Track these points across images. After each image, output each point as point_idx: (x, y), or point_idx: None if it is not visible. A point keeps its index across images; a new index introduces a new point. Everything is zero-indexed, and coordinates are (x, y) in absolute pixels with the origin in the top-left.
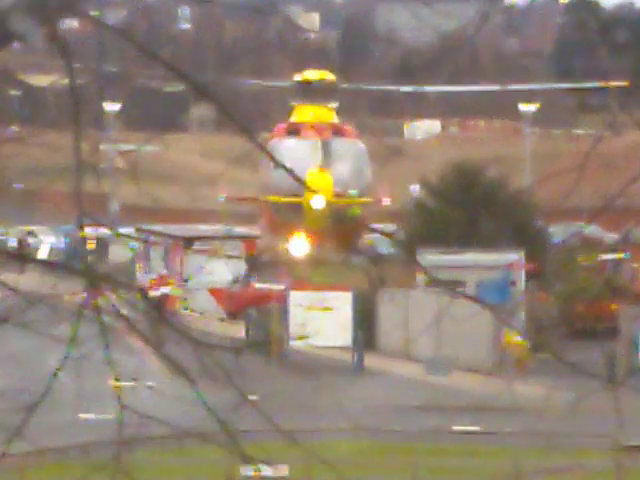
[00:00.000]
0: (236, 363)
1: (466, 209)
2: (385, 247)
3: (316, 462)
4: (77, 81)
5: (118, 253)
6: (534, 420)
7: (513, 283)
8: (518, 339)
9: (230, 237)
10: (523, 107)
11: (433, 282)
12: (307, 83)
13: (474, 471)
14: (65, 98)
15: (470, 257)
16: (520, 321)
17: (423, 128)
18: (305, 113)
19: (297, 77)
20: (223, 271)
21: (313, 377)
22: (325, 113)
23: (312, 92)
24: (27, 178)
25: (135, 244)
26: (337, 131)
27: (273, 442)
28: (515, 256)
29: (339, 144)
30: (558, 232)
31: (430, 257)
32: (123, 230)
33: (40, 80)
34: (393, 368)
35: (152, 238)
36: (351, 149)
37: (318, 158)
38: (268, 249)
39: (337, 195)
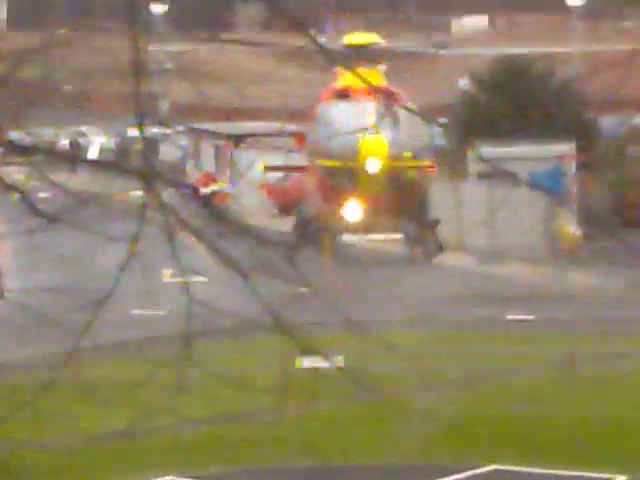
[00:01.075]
0: (288, 257)
1: (516, 101)
2: (438, 139)
3: (372, 353)
4: None
5: (168, 152)
6: (588, 307)
7: (564, 174)
8: (571, 228)
9: (280, 133)
10: (571, 1)
11: (487, 173)
12: (354, 47)
13: (529, 358)
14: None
15: (521, 149)
16: (572, 211)
17: (470, 23)
18: (353, 77)
19: (343, 40)
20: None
21: (367, 269)
22: (374, 76)
23: (360, 56)
24: (77, 80)
25: (185, 142)
26: (388, 94)
27: (328, 334)
28: (566, 147)
29: (392, 107)
30: (608, 123)
31: (481, 149)
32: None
33: None
34: (447, 259)
35: (202, 136)
36: (404, 111)
37: (371, 121)
38: (321, 215)
39: (392, 158)
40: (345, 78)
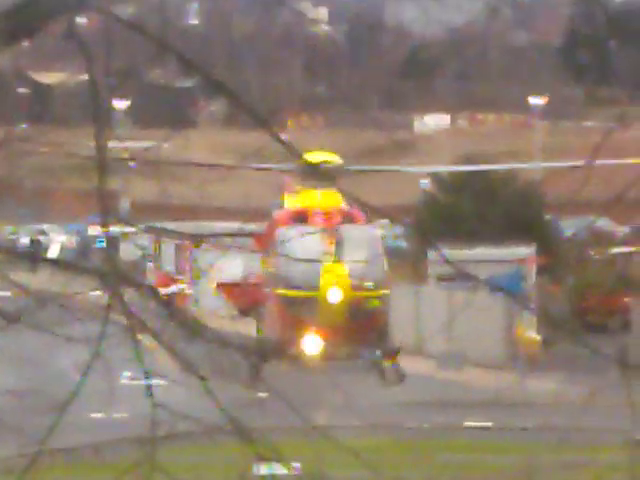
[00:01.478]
0: (247, 362)
1: (477, 202)
2: (395, 242)
3: (330, 459)
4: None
5: (128, 251)
6: (547, 415)
7: (524, 277)
8: (530, 334)
9: (241, 234)
10: (532, 100)
11: (447, 276)
12: (311, 165)
13: (488, 467)
14: (74, 96)
15: (481, 251)
16: (532, 315)
17: (432, 122)
18: (310, 197)
19: (300, 160)
20: (234, 268)
21: (325, 375)
22: (332, 197)
23: (316, 175)
24: (37, 176)
25: (145, 242)
26: (347, 216)
27: (285, 440)
28: (526, 250)
29: (352, 231)
30: (569, 226)
31: (441, 251)
32: (133, 228)
33: (49, 78)
34: (406, 364)
35: (163, 235)
36: (365, 237)
37: (331, 248)
38: (278, 348)
39: (354, 287)
40: (302, 199)
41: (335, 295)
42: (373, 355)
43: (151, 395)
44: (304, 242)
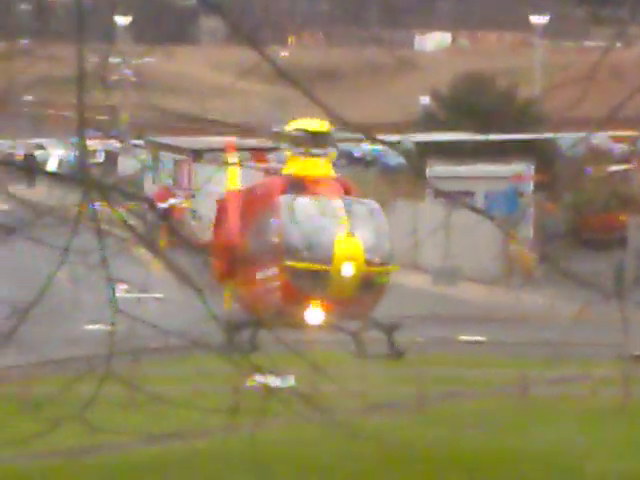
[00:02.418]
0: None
1: (476, 119)
2: (394, 159)
3: (322, 373)
4: None
5: (127, 165)
6: (540, 330)
7: (521, 194)
8: (525, 250)
9: (240, 149)
10: (534, 19)
11: (440, 193)
12: (303, 133)
13: (481, 381)
14: (74, 10)
15: (478, 168)
16: (527, 231)
17: (433, 40)
18: (302, 165)
19: (291, 125)
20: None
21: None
22: (324, 166)
23: (309, 143)
24: (36, 91)
25: (144, 156)
26: (344, 188)
27: (279, 353)
28: (523, 167)
29: (357, 206)
30: (567, 143)
31: (439, 168)
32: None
33: None
34: (401, 279)
35: (161, 150)
36: (368, 210)
37: (342, 221)
38: (282, 317)
39: (366, 263)
40: (293, 166)
41: (349, 269)
42: (371, 328)
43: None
44: (312, 213)
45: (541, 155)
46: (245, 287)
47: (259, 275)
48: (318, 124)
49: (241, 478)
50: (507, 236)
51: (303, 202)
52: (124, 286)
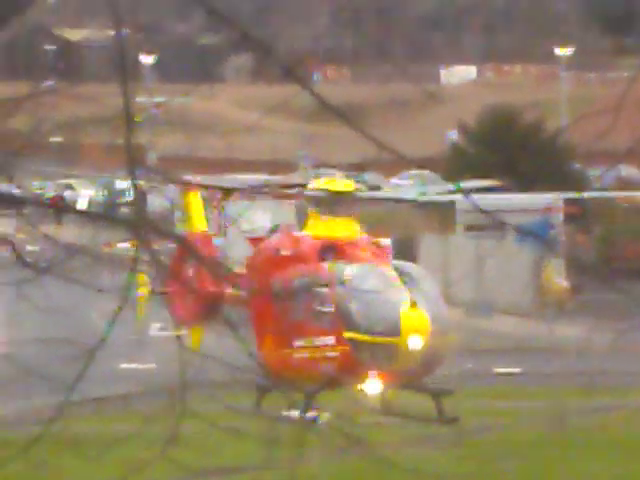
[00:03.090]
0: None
1: (504, 153)
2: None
3: (359, 407)
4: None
5: (156, 203)
6: (575, 360)
7: (552, 226)
8: (558, 280)
9: (269, 186)
10: (558, 51)
11: (475, 225)
12: (329, 193)
13: (517, 412)
14: (101, 52)
15: (508, 200)
16: (560, 262)
17: (459, 74)
18: (330, 226)
19: (315, 184)
20: (262, 220)
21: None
22: (352, 227)
23: (334, 203)
24: (64, 131)
25: (173, 194)
26: (380, 251)
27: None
28: (553, 198)
29: (407, 271)
30: (596, 174)
31: (469, 200)
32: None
33: (75, 34)
34: None
35: (191, 188)
36: (421, 277)
37: (400, 290)
38: (335, 387)
39: (432, 336)
40: (321, 227)
41: (417, 343)
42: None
43: (180, 343)
44: (366, 280)
45: (570, 186)
46: (276, 352)
47: (298, 342)
48: (343, 184)
49: None
50: (544, 260)
51: (354, 270)
52: (158, 325)
